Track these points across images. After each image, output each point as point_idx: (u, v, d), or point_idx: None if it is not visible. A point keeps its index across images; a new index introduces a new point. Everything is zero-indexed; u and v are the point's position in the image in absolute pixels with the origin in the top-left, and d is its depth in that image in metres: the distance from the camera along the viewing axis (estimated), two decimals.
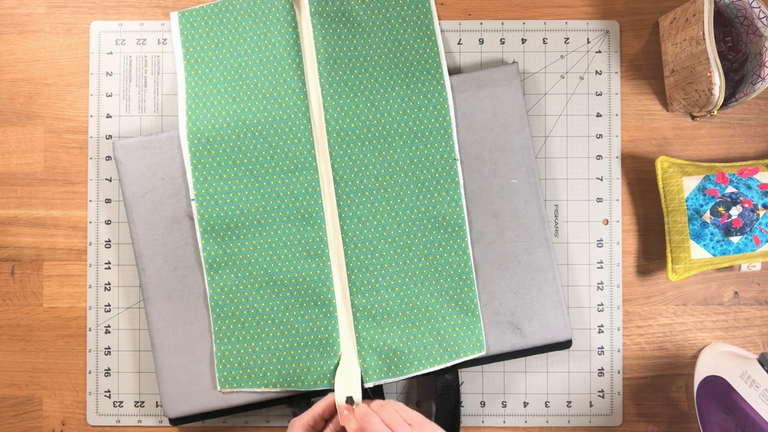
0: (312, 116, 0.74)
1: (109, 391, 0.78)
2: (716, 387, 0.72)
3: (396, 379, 0.73)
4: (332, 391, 0.73)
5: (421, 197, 0.75)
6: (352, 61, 0.75)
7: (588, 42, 0.80)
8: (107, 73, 0.79)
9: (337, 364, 0.73)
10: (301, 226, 0.74)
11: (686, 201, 0.75)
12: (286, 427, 0.77)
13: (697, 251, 0.75)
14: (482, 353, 0.74)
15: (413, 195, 0.75)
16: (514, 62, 0.78)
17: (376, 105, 0.75)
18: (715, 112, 0.73)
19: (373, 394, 0.74)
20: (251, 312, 0.74)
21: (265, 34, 0.75)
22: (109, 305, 0.78)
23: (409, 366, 0.73)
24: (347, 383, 0.72)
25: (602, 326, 0.79)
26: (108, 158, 0.79)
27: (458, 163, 0.75)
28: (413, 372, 0.73)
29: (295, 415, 0.74)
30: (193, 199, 0.74)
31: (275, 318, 0.74)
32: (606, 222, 0.79)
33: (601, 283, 0.79)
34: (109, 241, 0.79)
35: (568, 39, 0.80)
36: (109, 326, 0.78)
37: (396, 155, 0.75)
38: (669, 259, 0.76)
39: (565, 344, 0.76)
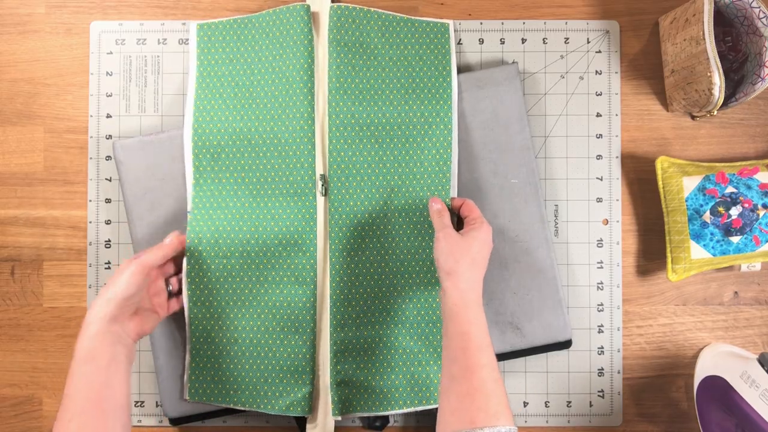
0: (316, 143, 0.73)
1: None
2: (716, 387, 0.72)
3: (364, 414, 0.73)
4: (304, 418, 0.73)
5: (412, 239, 0.74)
6: (363, 93, 0.74)
7: (588, 42, 0.80)
8: (107, 73, 0.79)
9: (311, 393, 0.72)
10: (293, 252, 0.73)
11: (686, 201, 0.75)
12: (286, 427, 0.77)
13: (697, 251, 0.75)
14: None
15: (404, 236, 0.74)
16: (514, 62, 0.78)
17: (380, 142, 0.74)
18: (715, 112, 0.73)
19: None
20: (230, 329, 0.73)
21: (281, 55, 0.74)
22: None
23: (378, 405, 0.72)
24: (318, 414, 0.73)
25: (602, 326, 0.79)
26: (108, 158, 0.79)
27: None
28: (381, 411, 0.72)
29: (295, 417, 0.74)
30: (189, 212, 0.74)
31: (253, 339, 0.73)
32: (606, 222, 0.79)
33: (601, 283, 0.79)
34: (109, 241, 0.79)
35: (568, 39, 0.80)
36: None
37: (393, 194, 0.74)
38: (669, 259, 0.76)
39: (565, 344, 0.76)
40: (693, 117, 0.79)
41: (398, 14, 0.77)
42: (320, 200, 0.73)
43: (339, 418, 0.72)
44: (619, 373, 0.79)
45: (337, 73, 0.74)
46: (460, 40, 0.79)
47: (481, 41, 0.80)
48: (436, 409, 0.73)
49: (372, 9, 0.76)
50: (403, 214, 0.74)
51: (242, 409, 0.73)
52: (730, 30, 0.77)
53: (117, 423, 0.59)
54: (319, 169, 0.73)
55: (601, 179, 0.79)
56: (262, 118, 0.73)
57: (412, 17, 0.77)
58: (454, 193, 0.75)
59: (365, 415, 0.73)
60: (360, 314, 0.73)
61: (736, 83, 0.76)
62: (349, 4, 0.75)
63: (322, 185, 0.73)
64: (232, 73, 0.75)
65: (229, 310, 0.73)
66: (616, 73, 0.79)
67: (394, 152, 0.74)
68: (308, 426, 0.73)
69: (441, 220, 0.69)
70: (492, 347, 0.62)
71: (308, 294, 0.73)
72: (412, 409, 0.73)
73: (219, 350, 0.73)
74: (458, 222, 0.73)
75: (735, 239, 0.73)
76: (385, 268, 0.74)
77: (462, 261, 0.64)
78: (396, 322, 0.74)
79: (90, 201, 0.79)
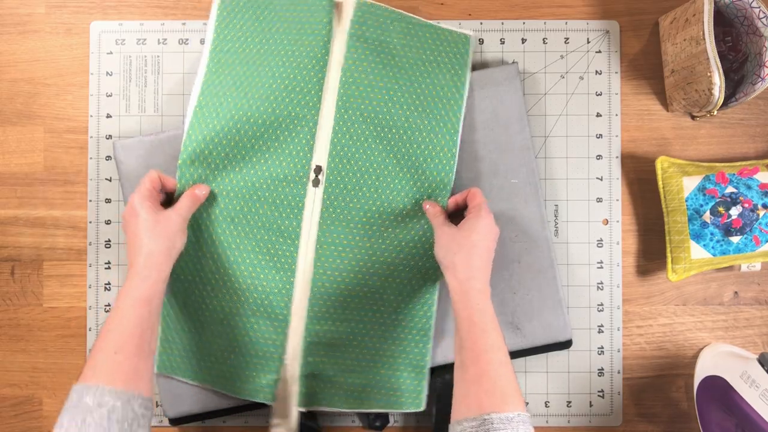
0: (318, 134, 0.73)
1: None
2: (716, 387, 0.72)
3: (329, 409, 0.73)
4: (268, 406, 0.73)
5: (404, 243, 0.73)
6: (375, 91, 0.73)
7: (588, 42, 0.80)
8: (107, 73, 0.79)
9: (276, 380, 0.72)
10: (274, 236, 0.72)
11: (686, 201, 0.75)
12: None
13: (697, 251, 0.75)
14: (420, 409, 0.74)
15: (396, 238, 0.73)
16: (514, 62, 0.78)
17: (384, 143, 0.73)
18: (715, 112, 0.73)
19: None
20: (202, 306, 0.73)
21: (296, 40, 0.73)
22: (109, 305, 0.78)
23: (344, 402, 0.73)
24: (283, 403, 0.72)
25: (602, 326, 0.79)
26: (108, 158, 0.79)
27: None
28: (346, 408, 0.73)
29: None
30: (177, 178, 0.72)
31: (224, 319, 0.73)
32: (606, 222, 0.79)
33: (601, 283, 0.79)
34: (109, 241, 0.79)
35: (568, 39, 0.80)
36: None
37: (391, 195, 0.73)
38: (669, 259, 0.76)
39: (565, 344, 0.76)
40: (693, 117, 0.79)
41: (421, 19, 0.76)
42: (311, 190, 0.73)
43: (303, 410, 0.72)
44: (619, 373, 0.79)
45: (352, 67, 0.73)
46: None
47: (481, 41, 0.80)
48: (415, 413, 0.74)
49: (396, 9, 0.75)
50: (399, 218, 0.74)
51: (209, 388, 0.73)
52: (730, 30, 0.77)
53: (149, 363, 0.62)
54: (317, 160, 0.73)
55: (601, 179, 0.79)
56: (265, 99, 0.72)
57: (435, 24, 0.76)
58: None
59: (330, 410, 0.73)
60: (339, 310, 0.73)
61: (736, 83, 0.76)
62: (374, 1, 0.75)
63: (316, 176, 0.72)
64: (245, 50, 0.74)
65: (203, 286, 0.73)
66: (616, 73, 0.80)
67: (397, 155, 0.73)
68: (273, 415, 0.73)
69: (437, 219, 0.70)
70: (499, 332, 0.62)
71: (285, 281, 0.72)
72: (377, 411, 0.73)
73: (190, 325, 0.73)
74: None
75: (735, 239, 0.73)
76: (371, 268, 0.73)
77: (459, 252, 0.65)
78: (375, 324, 0.73)
79: (90, 201, 0.79)
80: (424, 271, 0.74)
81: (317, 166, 0.73)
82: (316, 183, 0.73)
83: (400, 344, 0.73)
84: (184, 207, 0.69)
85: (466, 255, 0.65)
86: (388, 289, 0.73)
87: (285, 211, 0.72)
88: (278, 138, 0.72)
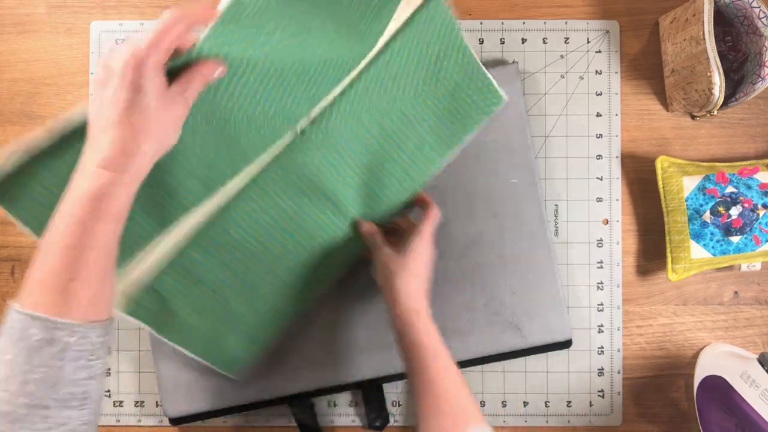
0: (329, 95, 0.67)
1: (109, 391, 0.78)
2: (716, 387, 0.72)
3: (146, 327, 0.68)
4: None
5: (315, 241, 0.71)
6: (393, 90, 0.69)
7: (588, 42, 0.80)
8: None
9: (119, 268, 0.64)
10: (227, 150, 0.65)
11: (686, 201, 0.75)
12: (286, 427, 0.77)
13: (697, 251, 0.75)
14: (229, 374, 0.73)
15: (313, 232, 0.71)
16: (514, 62, 0.78)
17: (368, 147, 0.70)
18: (715, 112, 0.73)
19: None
20: None
21: (359, 8, 0.66)
22: None
23: (169, 332, 0.69)
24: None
25: (602, 326, 0.79)
26: None
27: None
28: (164, 336, 0.69)
29: (295, 416, 0.74)
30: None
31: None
32: (606, 222, 0.79)
33: (601, 283, 0.79)
34: None
35: (568, 39, 0.80)
36: None
37: (338, 191, 0.70)
38: (669, 259, 0.76)
39: (565, 344, 0.76)
40: (693, 117, 0.79)
41: (473, 54, 0.71)
42: (288, 135, 0.67)
43: (124, 314, 0.66)
44: (619, 373, 0.79)
45: (386, 57, 0.67)
46: None
47: (481, 41, 0.80)
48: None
49: (461, 31, 0.70)
50: (330, 214, 0.71)
51: None
52: (730, 30, 0.77)
53: (111, 283, 0.53)
54: (313, 114, 0.67)
55: (601, 179, 0.79)
56: (312, 42, 0.64)
57: (483, 67, 0.72)
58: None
59: (148, 329, 0.69)
60: (222, 254, 0.68)
61: (736, 83, 0.76)
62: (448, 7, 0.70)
63: (303, 128, 0.67)
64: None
65: None
66: (616, 73, 0.80)
67: (372, 160, 0.71)
68: None
69: (374, 239, 0.69)
70: (444, 349, 0.62)
71: (203, 192, 0.66)
72: (192, 355, 0.71)
73: None
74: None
75: (735, 239, 0.73)
76: (273, 241, 0.69)
77: (399, 274, 0.65)
78: (244, 287, 0.70)
79: None
80: (314, 271, 0.72)
81: (313, 118, 0.67)
82: (300, 133, 0.67)
83: (253, 317, 0.71)
84: (192, 94, 0.54)
85: (407, 277, 0.64)
86: (275, 269, 0.71)
87: (255, 137, 0.66)
88: (314, 76, 0.65)
